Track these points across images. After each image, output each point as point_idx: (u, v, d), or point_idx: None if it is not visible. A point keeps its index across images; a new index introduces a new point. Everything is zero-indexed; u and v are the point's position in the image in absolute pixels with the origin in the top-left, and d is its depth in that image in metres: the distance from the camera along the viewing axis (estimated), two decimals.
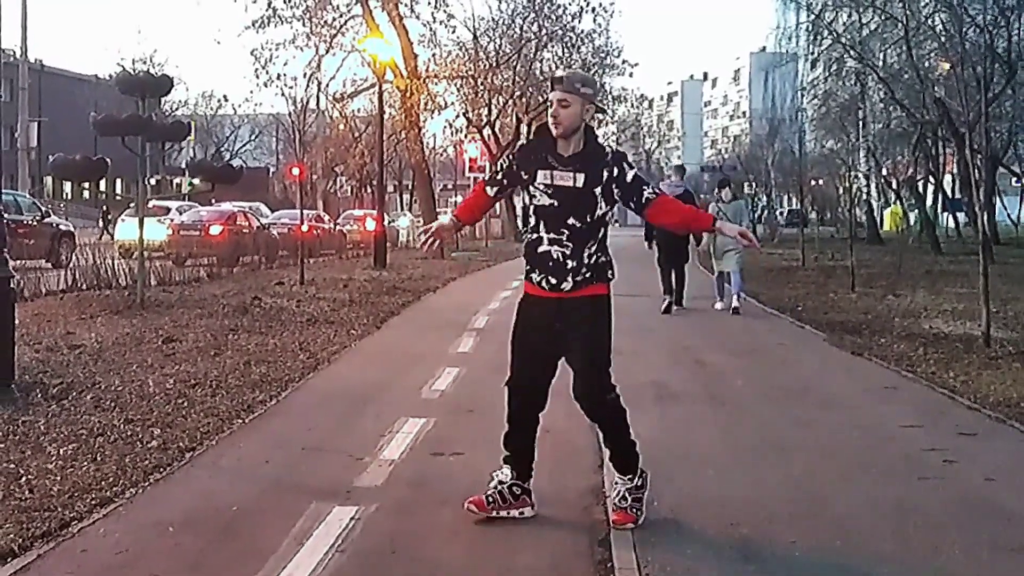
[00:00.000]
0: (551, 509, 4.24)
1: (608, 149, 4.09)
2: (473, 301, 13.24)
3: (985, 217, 15.20)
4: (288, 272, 17.76)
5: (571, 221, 3.96)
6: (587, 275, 3.99)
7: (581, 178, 3.95)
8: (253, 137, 54.77)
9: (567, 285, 3.99)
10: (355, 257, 25.61)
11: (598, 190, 3.96)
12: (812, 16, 28.02)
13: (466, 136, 37.47)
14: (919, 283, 15.87)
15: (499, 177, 4.19)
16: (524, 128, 37.40)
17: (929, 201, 34.12)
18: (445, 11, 26.53)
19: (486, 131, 37.26)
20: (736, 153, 53.87)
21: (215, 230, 21.66)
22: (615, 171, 4.00)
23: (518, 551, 3.85)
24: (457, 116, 32.00)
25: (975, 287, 10.19)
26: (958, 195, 32.12)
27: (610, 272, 4.10)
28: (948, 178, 34.52)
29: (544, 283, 4.01)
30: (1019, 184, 32.93)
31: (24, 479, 4.61)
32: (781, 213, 49.69)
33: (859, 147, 34.81)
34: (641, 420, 5.93)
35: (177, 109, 45.41)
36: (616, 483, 4.18)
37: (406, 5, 25.28)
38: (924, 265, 20.10)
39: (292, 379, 7.40)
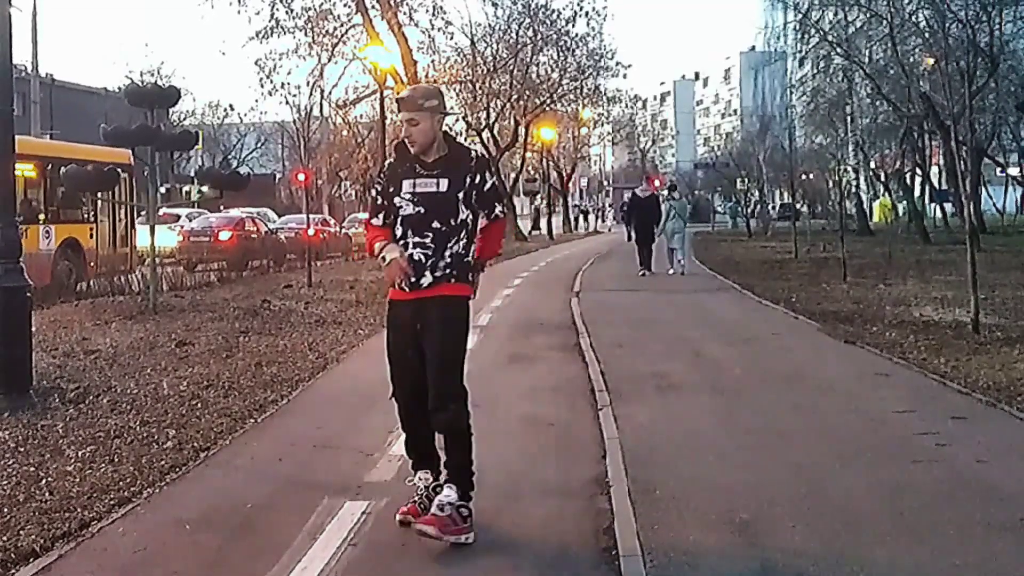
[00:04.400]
0: (556, 499, 4.32)
1: (473, 154, 4.11)
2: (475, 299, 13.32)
3: (971, 207, 15.34)
4: (296, 275, 17.87)
5: (435, 225, 3.95)
6: (447, 271, 3.96)
7: (445, 183, 3.97)
8: (259, 145, 54.50)
9: (426, 280, 3.95)
10: (361, 259, 25.63)
11: (460, 195, 3.98)
12: (799, 15, 28.11)
13: (466, 139, 37.52)
14: (909, 272, 16.03)
15: (378, 203, 4.10)
16: (522, 130, 37.48)
17: (917, 192, 34.26)
18: (443, 18, 26.67)
19: (485, 134, 37.35)
20: (728, 150, 53.87)
21: (224, 236, 21.74)
22: (477, 178, 4.02)
23: (526, 540, 3.95)
24: (457, 120, 31.99)
25: (963, 275, 10.28)
26: (945, 186, 32.22)
27: (472, 276, 4.05)
28: (935, 170, 34.68)
29: (404, 284, 3.98)
30: (1004, 174, 33.05)
31: (44, 481, 4.72)
32: (773, 207, 49.84)
33: (848, 141, 34.96)
34: (643, 410, 6.11)
35: (185, 119, 45.10)
36: (446, 488, 3.98)
37: (405, 13, 25.35)
38: (913, 255, 20.25)
39: (302, 379, 7.51)
